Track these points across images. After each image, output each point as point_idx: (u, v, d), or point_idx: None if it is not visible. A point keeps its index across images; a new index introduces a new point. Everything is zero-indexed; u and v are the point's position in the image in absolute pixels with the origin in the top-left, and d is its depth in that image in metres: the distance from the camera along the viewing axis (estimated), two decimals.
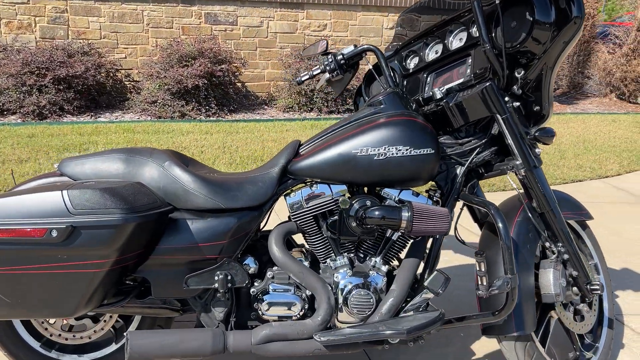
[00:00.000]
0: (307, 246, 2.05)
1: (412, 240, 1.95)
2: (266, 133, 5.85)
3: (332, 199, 1.90)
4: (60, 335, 1.95)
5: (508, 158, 2.02)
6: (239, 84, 7.28)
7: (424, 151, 1.85)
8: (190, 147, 5.19)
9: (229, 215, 1.83)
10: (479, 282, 1.70)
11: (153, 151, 1.87)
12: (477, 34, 1.87)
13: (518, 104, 1.90)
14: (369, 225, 1.83)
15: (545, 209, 1.96)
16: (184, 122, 6.25)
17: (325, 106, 6.94)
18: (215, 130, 5.89)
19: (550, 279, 1.94)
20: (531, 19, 1.77)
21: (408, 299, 1.90)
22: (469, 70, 1.93)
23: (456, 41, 2.02)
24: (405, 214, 1.76)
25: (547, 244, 2.01)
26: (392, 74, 2.11)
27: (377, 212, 1.79)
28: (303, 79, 2.28)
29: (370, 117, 1.93)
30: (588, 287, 2.01)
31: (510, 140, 1.91)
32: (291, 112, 7.07)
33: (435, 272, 1.83)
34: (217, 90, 6.74)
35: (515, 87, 1.85)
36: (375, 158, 1.84)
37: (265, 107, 7.42)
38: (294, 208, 1.92)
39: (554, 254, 1.99)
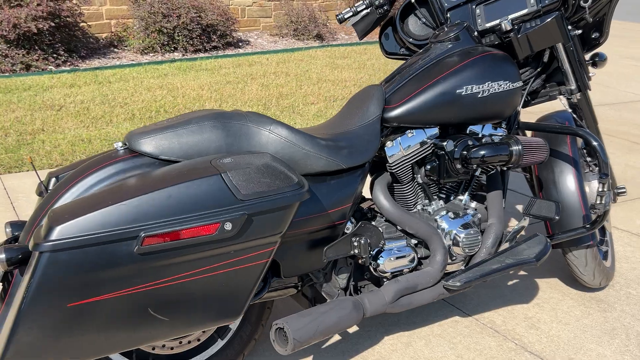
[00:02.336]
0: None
1: (487, 175, 2.01)
2: (145, 80, 5.22)
3: (433, 143, 1.85)
4: (164, 346, 1.62)
5: (550, 84, 2.16)
6: (84, 25, 6.27)
7: (517, 84, 1.88)
8: (67, 104, 4.41)
9: (348, 175, 1.68)
10: (596, 201, 1.85)
11: (244, 114, 1.59)
12: None
13: (580, 31, 2.02)
14: (474, 165, 1.83)
15: (593, 128, 2.17)
16: (33, 75, 5.23)
17: (191, 44, 6.40)
18: (81, 82, 5.07)
19: (596, 190, 2.18)
20: None
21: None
22: (533, 0, 1.97)
23: None
24: (516, 148, 1.80)
25: (589, 159, 2.24)
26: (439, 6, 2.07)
27: (486, 151, 1.80)
28: (346, 16, 2.10)
29: (455, 53, 1.88)
30: (616, 191, 2.31)
31: (567, 67, 2.03)
32: (152, 54, 6.37)
33: (537, 200, 1.94)
34: (62, 33, 5.73)
35: (586, 15, 1.96)
36: (479, 96, 1.82)
37: (116, 50, 6.55)
38: (393, 158, 1.83)
39: (596, 166, 2.23)
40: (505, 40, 2.00)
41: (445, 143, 1.82)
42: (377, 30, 2.29)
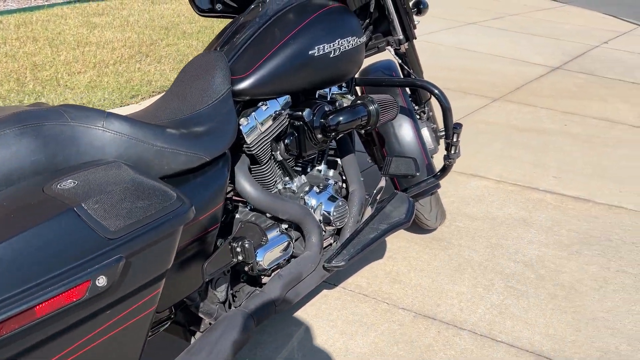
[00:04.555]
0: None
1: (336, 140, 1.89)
2: None
3: (288, 114, 1.63)
4: None
5: (376, 35, 2.10)
6: None
7: (363, 39, 1.76)
8: None
9: (213, 168, 1.37)
10: (452, 152, 1.85)
11: (59, 109, 1.15)
12: None
13: None
14: (334, 132, 1.67)
15: (419, 76, 2.19)
16: None
17: None
18: None
19: (428, 136, 2.24)
20: None
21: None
22: None
23: None
24: (372, 107, 1.70)
25: (416, 108, 2.27)
26: None
27: (345, 116, 1.66)
28: None
29: (294, 8, 1.66)
30: (439, 134, 2.41)
31: (394, 16, 1.98)
32: None
33: (393, 158, 1.88)
34: None
35: None
36: (331, 55, 1.64)
37: None
38: (252, 137, 1.56)
39: (424, 113, 2.28)
40: None
41: (303, 112, 1.62)
42: None
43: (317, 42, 1.61)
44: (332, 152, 1.90)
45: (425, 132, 2.24)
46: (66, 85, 3.75)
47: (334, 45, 1.64)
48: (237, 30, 1.64)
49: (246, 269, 1.45)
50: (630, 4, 9.79)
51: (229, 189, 1.60)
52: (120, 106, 3.58)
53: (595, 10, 8.52)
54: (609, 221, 2.64)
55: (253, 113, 1.56)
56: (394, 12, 1.97)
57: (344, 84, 1.91)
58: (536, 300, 2.07)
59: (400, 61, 2.16)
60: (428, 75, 4.71)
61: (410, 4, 2.08)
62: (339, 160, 1.87)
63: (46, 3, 6.03)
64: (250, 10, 1.72)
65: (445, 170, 1.96)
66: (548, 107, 4.11)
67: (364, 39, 1.76)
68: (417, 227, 2.40)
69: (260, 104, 1.58)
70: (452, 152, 1.87)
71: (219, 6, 1.96)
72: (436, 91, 1.88)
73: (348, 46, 1.68)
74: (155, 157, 1.21)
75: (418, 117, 2.28)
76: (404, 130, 2.10)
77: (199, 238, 1.31)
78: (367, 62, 2.38)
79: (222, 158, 1.40)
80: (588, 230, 2.55)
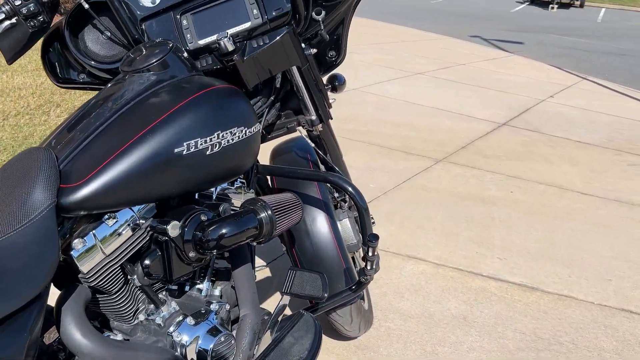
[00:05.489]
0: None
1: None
2: None
3: (149, 226, 1.23)
4: None
5: (286, 113, 1.76)
6: None
7: (255, 128, 1.38)
8: None
9: (7, 328, 0.94)
10: (368, 267, 1.49)
11: None
12: None
13: (315, 50, 1.63)
14: (214, 250, 1.28)
15: (338, 162, 1.84)
16: None
17: None
18: None
19: (350, 228, 1.89)
20: None
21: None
22: (256, 11, 1.48)
23: None
24: (265, 214, 1.32)
25: (336, 195, 1.92)
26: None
27: (228, 228, 1.27)
28: None
29: (162, 90, 1.28)
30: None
31: (305, 94, 1.64)
32: None
33: (296, 272, 1.50)
34: None
35: (322, 31, 1.56)
36: (208, 152, 1.26)
37: None
38: (89, 264, 1.15)
39: (345, 202, 1.92)
40: (228, 64, 1.48)
41: (167, 226, 1.22)
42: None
43: (187, 136, 1.23)
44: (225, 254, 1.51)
45: (346, 224, 1.88)
46: None
47: (211, 139, 1.26)
48: (82, 118, 1.24)
49: None
50: (571, 55, 9.99)
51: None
52: None
53: (540, 61, 8.60)
54: (559, 316, 2.33)
55: (93, 231, 1.15)
56: (304, 89, 1.63)
57: (240, 176, 1.54)
58: None
59: (313, 144, 1.81)
60: (373, 131, 4.43)
61: (325, 79, 1.75)
62: (232, 272, 1.48)
63: None
64: (107, 89, 1.33)
65: (361, 285, 1.59)
66: (493, 170, 3.86)
67: (257, 127, 1.39)
68: (338, 333, 2.02)
69: (105, 217, 1.18)
70: (369, 267, 1.51)
71: (82, 77, 1.57)
72: (350, 189, 1.53)
73: (233, 139, 1.31)
74: None
75: (337, 206, 1.92)
76: (318, 227, 1.74)
77: None
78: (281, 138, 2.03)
79: (28, 309, 0.98)
80: (536, 329, 2.23)
